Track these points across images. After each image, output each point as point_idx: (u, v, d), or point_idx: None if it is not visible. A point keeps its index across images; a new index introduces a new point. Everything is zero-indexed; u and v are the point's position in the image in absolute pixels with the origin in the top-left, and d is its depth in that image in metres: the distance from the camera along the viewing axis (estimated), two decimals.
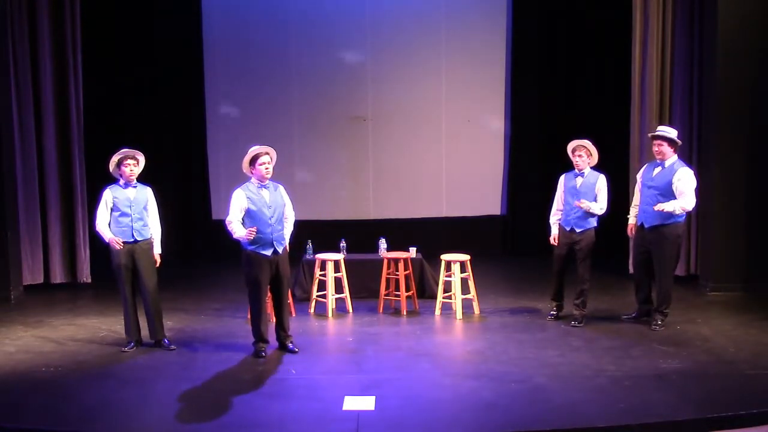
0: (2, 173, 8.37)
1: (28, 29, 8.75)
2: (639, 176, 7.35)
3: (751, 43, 8.31)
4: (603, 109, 10.56)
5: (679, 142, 7.12)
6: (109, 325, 7.43)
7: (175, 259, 10.29)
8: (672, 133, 7.06)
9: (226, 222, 6.38)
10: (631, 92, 9.14)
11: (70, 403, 5.41)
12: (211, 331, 7.28)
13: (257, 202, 6.35)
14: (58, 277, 9.11)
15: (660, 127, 7.26)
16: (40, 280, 9.02)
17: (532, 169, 10.76)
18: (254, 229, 6.26)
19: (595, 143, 7.37)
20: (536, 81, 10.92)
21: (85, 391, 5.65)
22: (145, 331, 6.79)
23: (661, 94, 8.98)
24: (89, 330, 7.29)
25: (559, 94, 10.89)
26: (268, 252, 6.37)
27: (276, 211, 6.42)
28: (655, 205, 6.91)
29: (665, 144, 7.00)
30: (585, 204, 7.11)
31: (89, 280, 9.19)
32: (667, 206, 6.84)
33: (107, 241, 6.57)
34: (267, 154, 6.38)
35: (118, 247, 6.50)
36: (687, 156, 8.93)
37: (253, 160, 6.35)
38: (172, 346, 6.68)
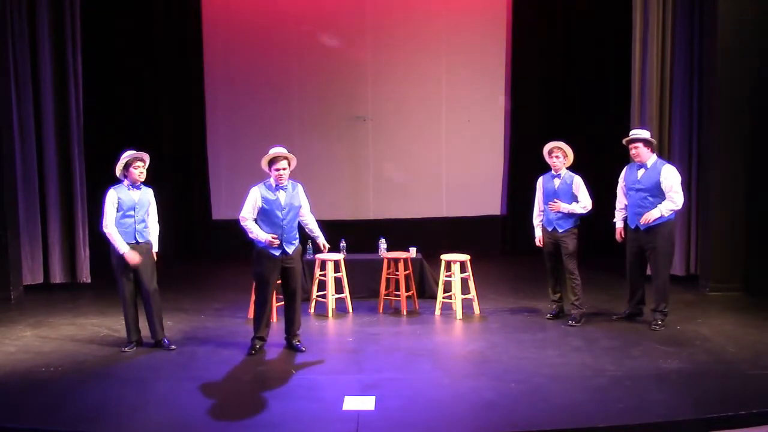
0: (2, 173, 8.37)
1: (28, 29, 8.74)
2: (621, 178, 7.34)
3: (751, 43, 8.30)
4: (603, 110, 10.57)
5: (654, 141, 7.13)
6: (109, 325, 7.43)
7: (175, 259, 10.32)
8: (645, 133, 7.11)
9: (240, 219, 6.42)
10: (631, 92, 9.13)
11: (70, 403, 5.40)
12: (211, 331, 7.28)
13: (272, 203, 6.37)
14: (58, 277, 9.10)
15: (633, 131, 7.26)
16: (40, 280, 9.02)
17: (532, 169, 10.61)
18: (276, 238, 6.30)
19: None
20: (536, 81, 10.93)
21: (85, 391, 5.64)
22: (145, 331, 6.78)
23: (661, 94, 8.97)
24: (89, 330, 7.29)
25: (559, 94, 10.90)
26: (277, 252, 6.40)
27: (290, 213, 6.44)
28: (645, 208, 6.96)
29: (641, 145, 7.03)
30: (564, 207, 7.16)
31: (89, 280, 9.18)
32: (654, 213, 6.91)
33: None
34: (285, 159, 6.38)
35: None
36: (687, 156, 8.94)
37: (272, 162, 6.37)
38: (172, 346, 6.68)
